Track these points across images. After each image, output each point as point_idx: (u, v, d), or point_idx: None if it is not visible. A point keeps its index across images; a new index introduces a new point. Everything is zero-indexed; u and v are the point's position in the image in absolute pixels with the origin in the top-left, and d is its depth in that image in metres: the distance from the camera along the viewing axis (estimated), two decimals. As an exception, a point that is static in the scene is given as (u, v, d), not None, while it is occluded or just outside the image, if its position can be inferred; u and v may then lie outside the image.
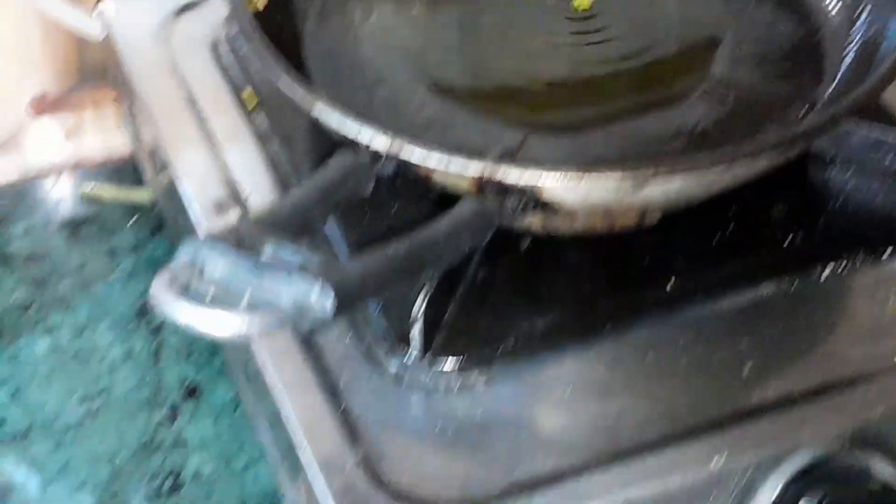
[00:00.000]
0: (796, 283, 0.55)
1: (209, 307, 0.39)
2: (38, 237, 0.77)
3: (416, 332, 0.51)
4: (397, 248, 0.43)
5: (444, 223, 0.46)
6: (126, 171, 0.80)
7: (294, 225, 0.43)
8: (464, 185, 0.50)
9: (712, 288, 0.55)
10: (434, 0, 0.65)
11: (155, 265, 0.75)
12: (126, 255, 0.76)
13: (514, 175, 0.48)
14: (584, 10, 0.64)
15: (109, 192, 0.79)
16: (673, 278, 0.55)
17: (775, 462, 0.50)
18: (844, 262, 0.56)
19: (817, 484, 0.50)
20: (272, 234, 0.41)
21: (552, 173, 0.48)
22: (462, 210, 0.47)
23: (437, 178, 0.51)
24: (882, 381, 0.52)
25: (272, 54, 0.53)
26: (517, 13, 0.63)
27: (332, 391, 0.52)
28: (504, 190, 0.49)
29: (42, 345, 0.71)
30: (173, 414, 0.68)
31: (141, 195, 0.77)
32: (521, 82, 0.60)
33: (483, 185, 0.49)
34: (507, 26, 0.63)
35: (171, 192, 0.63)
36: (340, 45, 0.62)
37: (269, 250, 0.40)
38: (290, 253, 0.40)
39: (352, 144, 0.50)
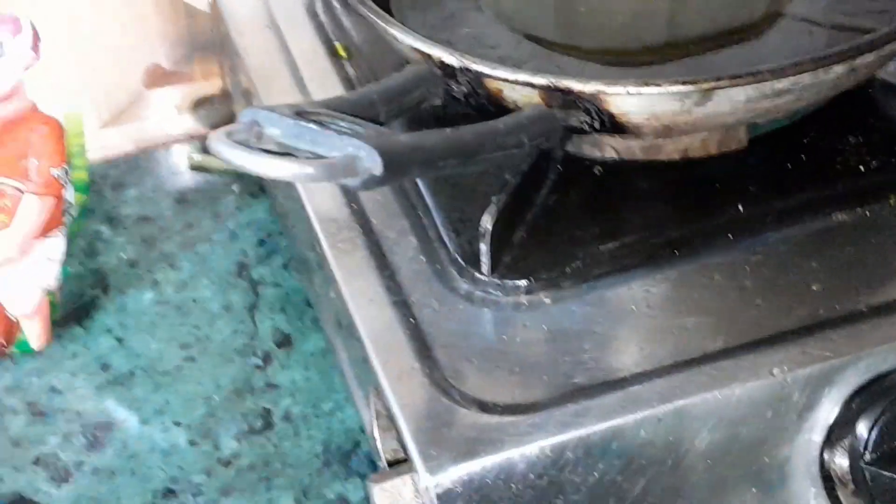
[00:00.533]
0: (868, 210, 0.55)
1: (263, 154, 0.41)
2: (148, 202, 0.81)
3: (483, 248, 0.53)
4: (456, 129, 0.45)
5: (508, 118, 0.48)
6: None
7: (355, 113, 0.45)
8: (534, 101, 0.52)
9: (783, 215, 0.55)
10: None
11: (256, 227, 0.79)
12: (229, 219, 0.80)
13: (579, 85, 0.50)
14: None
15: (217, 162, 0.82)
16: (743, 205, 0.55)
17: (839, 374, 0.50)
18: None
19: (880, 397, 0.50)
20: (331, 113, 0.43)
21: (615, 85, 0.50)
22: (527, 111, 0.49)
23: (507, 94, 0.52)
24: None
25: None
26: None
27: (403, 306, 0.54)
28: (571, 103, 0.51)
29: (147, 297, 0.75)
30: (266, 361, 0.71)
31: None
32: (599, 22, 0.62)
33: (551, 100, 0.51)
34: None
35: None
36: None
37: (325, 120, 0.42)
38: (346, 124, 0.42)
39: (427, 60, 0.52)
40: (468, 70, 0.51)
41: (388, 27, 0.53)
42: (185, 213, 0.80)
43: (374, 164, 0.41)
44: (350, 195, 0.59)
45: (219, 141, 0.42)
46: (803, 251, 0.54)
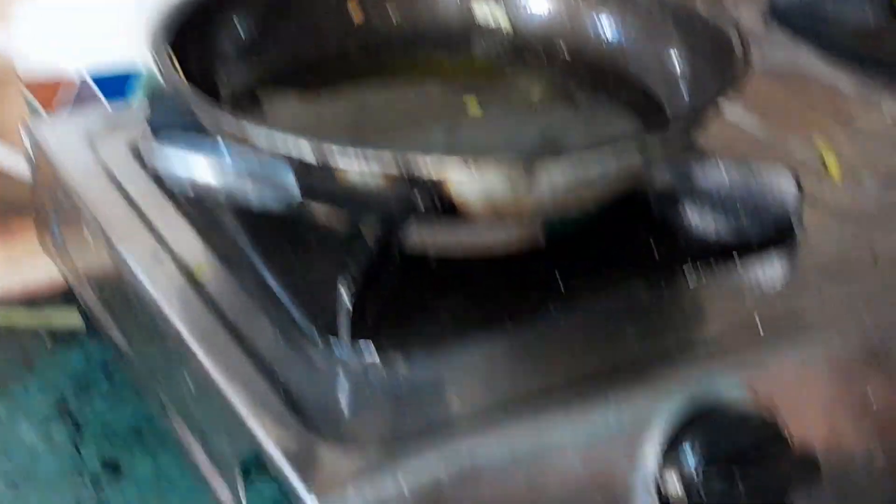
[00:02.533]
0: (665, 287, 0.66)
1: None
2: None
3: (342, 319, 0.59)
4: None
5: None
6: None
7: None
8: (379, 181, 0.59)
9: (597, 289, 0.65)
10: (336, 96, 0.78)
11: (69, 372, 0.81)
12: (40, 364, 0.82)
13: (422, 161, 0.59)
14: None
15: (22, 317, 0.85)
16: (565, 281, 0.65)
17: (661, 406, 0.58)
18: (701, 271, 0.67)
19: (699, 426, 0.58)
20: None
21: (452, 158, 0.59)
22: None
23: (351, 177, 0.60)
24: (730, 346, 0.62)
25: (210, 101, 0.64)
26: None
27: (271, 376, 0.59)
28: (414, 181, 0.59)
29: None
30: (98, 489, 0.72)
31: (67, 317, 0.84)
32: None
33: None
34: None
35: (115, 279, 0.71)
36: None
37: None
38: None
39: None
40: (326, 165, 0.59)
41: (251, 131, 0.60)
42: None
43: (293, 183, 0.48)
44: (203, 293, 0.64)
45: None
46: (620, 319, 0.63)
